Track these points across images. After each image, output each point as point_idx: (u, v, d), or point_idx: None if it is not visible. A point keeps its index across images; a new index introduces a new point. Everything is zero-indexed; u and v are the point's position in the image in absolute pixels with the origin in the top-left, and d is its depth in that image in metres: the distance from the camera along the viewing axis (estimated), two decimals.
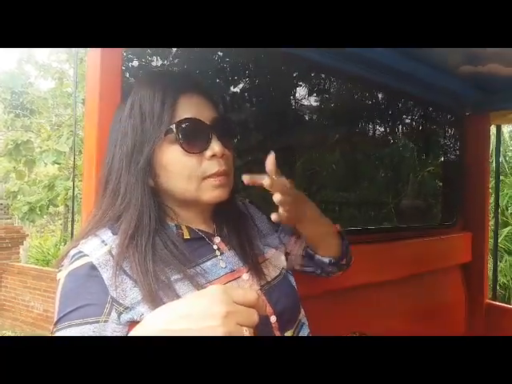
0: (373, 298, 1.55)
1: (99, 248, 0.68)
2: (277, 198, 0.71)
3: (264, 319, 0.58)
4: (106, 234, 0.70)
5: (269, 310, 0.75)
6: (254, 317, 0.53)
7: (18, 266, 6.09)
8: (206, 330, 0.49)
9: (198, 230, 0.77)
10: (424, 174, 2.41)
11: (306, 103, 2.16)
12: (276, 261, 0.85)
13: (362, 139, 2.18)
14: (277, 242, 0.90)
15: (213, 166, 0.72)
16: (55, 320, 0.64)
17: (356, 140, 2.16)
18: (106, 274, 0.65)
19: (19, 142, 6.78)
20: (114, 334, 0.63)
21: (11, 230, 6.32)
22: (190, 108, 0.72)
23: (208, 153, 0.72)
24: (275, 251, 0.87)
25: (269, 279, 0.79)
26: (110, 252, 0.67)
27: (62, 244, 7.55)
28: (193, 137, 0.71)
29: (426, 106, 2.25)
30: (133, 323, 0.63)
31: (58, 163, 6.75)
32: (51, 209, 7.38)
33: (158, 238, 0.70)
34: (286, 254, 0.92)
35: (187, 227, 0.76)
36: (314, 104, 2.20)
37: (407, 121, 2.40)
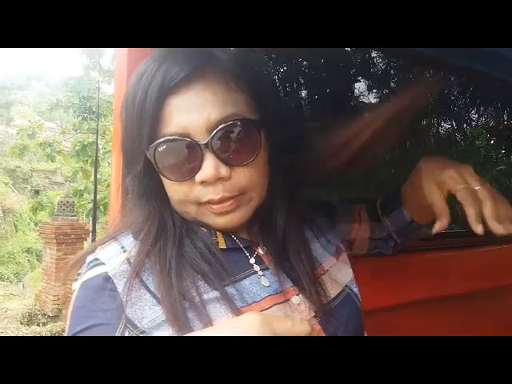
0: (436, 315, 1.40)
1: (117, 255, 0.56)
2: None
3: None
4: (127, 240, 0.58)
5: None
6: None
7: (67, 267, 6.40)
8: None
9: (237, 238, 0.62)
10: (494, 172, 2.22)
11: (365, 100, 2.07)
12: (338, 273, 0.67)
13: (424, 137, 2.05)
14: (337, 238, 0.74)
15: (205, 194, 0.56)
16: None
17: (418, 138, 2.03)
18: (122, 288, 0.53)
19: (86, 143, 7.17)
20: None
21: (76, 227, 6.68)
22: (178, 115, 0.54)
23: (197, 178, 0.55)
24: (336, 261, 0.69)
25: (326, 301, 0.61)
26: (128, 260, 0.55)
27: None
28: (178, 161, 0.55)
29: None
30: None
31: None
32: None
33: (188, 247, 0.57)
34: (349, 241, 0.80)
35: (223, 235, 0.61)
36: (374, 101, 2.10)
37: (475, 116, 2.23)
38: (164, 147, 0.54)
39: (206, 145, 0.54)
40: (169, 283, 0.53)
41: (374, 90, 2.07)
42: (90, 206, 7.01)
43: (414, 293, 1.28)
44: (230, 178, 0.56)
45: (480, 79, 1.93)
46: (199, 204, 0.58)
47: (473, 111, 2.27)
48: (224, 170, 0.55)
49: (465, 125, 2.29)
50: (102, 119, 8.11)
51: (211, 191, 0.56)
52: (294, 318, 0.43)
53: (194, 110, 0.54)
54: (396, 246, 0.85)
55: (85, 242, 6.88)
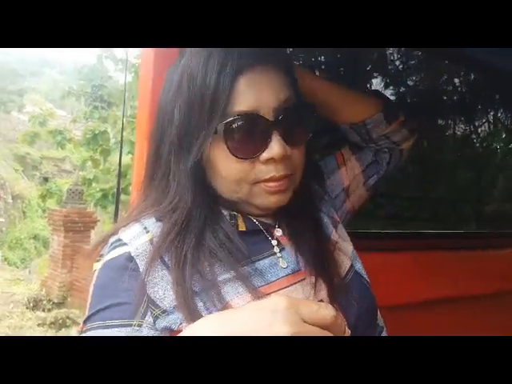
0: (450, 316, 1.37)
1: (140, 236, 0.57)
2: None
3: None
4: (150, 220, 0.59)
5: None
6: None
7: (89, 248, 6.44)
8: None
9: (257, 220, 0.64)
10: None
11: None
12: (344, 244, 0.70)
13: (441, 135, 2.01)
14: (332, 209, 0.75)
15: (267, 172, 0.58)
16: (85, 317, 0.55)
17: (435, 136, 2.00)
18: (145, 268, 0.54)
19: (97, 132, 7.18)
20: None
21: (84, 215, 6.71)
22: (249, 93, 0.56)
23: (264, 156, 0.57)
24: (341, 234, 0.71)
25: (339, 279, 0.63)
26: (151, 241, 0.56)
27: None
28: (246, 139, 0.57)
29: None
30: (171, 332, 0.53)
31: (131, 153, 7.05)
32: (123, 196, 7.75)
33: (208, 237, 0.58)
34: (345, 190, 0.79)
35: (243, 217, 0.63)
36: (391, 98, 2.07)
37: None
38: (238, 123, 0.56)
39: (275, 123, 0.57)
40: (182, 262, 0.54)
41: (391, 87, 2.04)
42: (99, 194, 7.03)
43: (422, 292, 1.26)
44: (292, 156, 0.60)
45: (498, 78, 1.89)
46: (255, 183, 0.59)
47: (492, 112, 2.22)
48: (288, 149, 0.58)
49: (482, 127, 2.24)
50: (114, 108, 8.12)
51: (274, 169, 0.58)
52: (320, 303, 0.44)
53: (265, 91, 0.57)
54: (391, 158, 0.82)
55: (92, 231, 6.91)
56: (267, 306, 0.42)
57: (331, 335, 0.42)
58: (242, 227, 0.62)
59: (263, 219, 0.64)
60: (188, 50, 0.60)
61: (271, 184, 0.59)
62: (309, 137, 0.62)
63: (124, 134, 6.94)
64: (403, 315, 1.04)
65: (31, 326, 5.68)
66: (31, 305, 6.26)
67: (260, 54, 0.58)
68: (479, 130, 2.21)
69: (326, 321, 0.42)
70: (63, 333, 5.49)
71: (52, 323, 5.69)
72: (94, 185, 7.50)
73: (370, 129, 0.78)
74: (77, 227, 6.53)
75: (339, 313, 0.45)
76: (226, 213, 0.62)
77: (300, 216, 0.66)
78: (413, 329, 1.07)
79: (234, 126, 0.56)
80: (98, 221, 7.24)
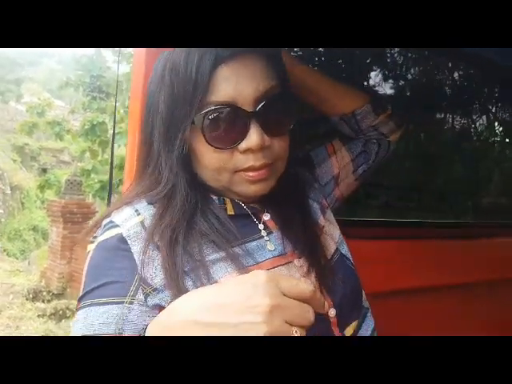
0: (435, 304, 1.39)
1: (131, 218, 0.59)
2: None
3: (320, 314, 0.46)
4: (141, 204, 0.62)
5: (328, 302, 0.62)
6: (309, 314, 0.43)
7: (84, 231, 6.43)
8: (244, 326, 0.40)
9: (245, 205, 0.66)
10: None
11: (380, 90, 2.03)
12: (330, 228, 0.73)
13: (439, 128, 2.01)
14: (320, 195, 0.78)
15: (245, 161, 0.59)
16: (79, 296, 0.57)
17: (434, 130, 2.00)
18: (136, 248, 0.56)
19: (95, 122, 7.15)
20: (140, 319, 0.54)
21: (83, 206, 6.71)
22: (228, 83, 0.57)
23: (242, 146, 0.58)
24: (324, 219, 0.73)
25: (325, 261, 0.66)
26: (142, 223, 0.59)
27: None
28: (223, 130, 0.58)
29: None
30: (161, 308, 0.54)
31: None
32: (121, 188, 7.73)
33: (199, 220, 0.60)
34: (334, 178, 0.82)
35: (232, 201, 0.65)
36: (389, 92, 2.06)
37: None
38: (214, 114, 0.57)
39: (254, 113, 0.58)
40: (172, 256, 0.56)
41: (390, 81, 2.03)
42: (97, 186, 7.02)
43: (406, 280, 1.28)
44: (272, 146, 0.61)
45: (495, 73, 1.90)
46: (235, 172, 0.61)
47: (489, 106, 2.22)
48: (267, 139, 0.59)
49: (480, 120, 2.24)
50: (112, 99, 8.08)
51: (252, 158, 0.59)
52: (299, 279, 0.47)
53: (243, 81, 0.58)
54: (379, 148, 0.86)
55: (90, 222, 6.91)
56: (249, 280, 0.43)
57: (310, 308, 0.43)
58: (231, 211, 0.64)
59: (252, 204, 0.66)
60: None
61: (251, 173, 0.60)
62: (291, 126, 0.63)
63: (122, 125, 6.93)
64: (387, 302, 1.06)
65: (31, 316, 5.71)
66: (31, 296, 6.28)
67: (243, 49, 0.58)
68: (477, 123, 2.21)
69: (304, 294, 0.43)
70: (63, 324, 5.52)
71: (52, 314, 5.72)
72: (92, 176, 7.48)
73: (359, 120, 0.82)
74: (75, 218, 6.53)
75: (317, 289, 0.48)
76: (215, 197, 0.65)
77: (287, 202, 0.68)
78: (398, 316, 1.09)
79: (210, 116, 0.57)
80: (97, 212, 7.23)
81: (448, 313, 1.40)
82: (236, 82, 0.57)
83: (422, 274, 1.31)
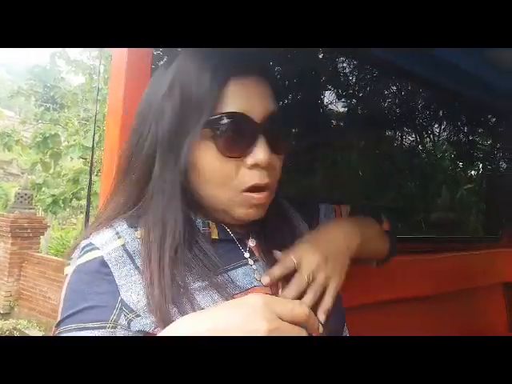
0: (406, 314, 1.44)
1: (111, 241, 0.58)
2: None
3: None
4: (122, 226, 0.60)
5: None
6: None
7: (38, 256, 6.17)
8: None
9: (230, 230, 0.64)
10: (465, 186, 2.31)
11: (333, 108, 2.11)
12: None
13: (390, 146, 2.11)
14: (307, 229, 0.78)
15: (251, 178, 0.59)
16: (57, 321, 0.55)
17: (384, 147, 2.09)
18: (118, 273, 0.55)
19: (47, 135, 6.90)
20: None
21: (33, 221, 6.43)
22: (239, 97, 0.58)
23: (249, 160, 0.58)
24: None
25: None
26: (123, 246, 0.58)
27: None
28: (234, 136, 0.57)
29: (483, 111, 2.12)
30: (145, 334, 0.54)
31: (84, 158, 6.82)
32: (74, 202, 7.47)
33: (184, 244, 0.59)
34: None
35: (217, 225, 0.64)
36: (342, 110, 2.14)
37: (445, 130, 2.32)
38: (229, 119, 0.57)
39: (262, 127, 0.59)
40: (156, 282, 0.54)
41: (343, 100, 2.11)
42: (49, 200, 6.75)
43: (383, 293, 1.33)
44: (275, 166, 0.61)
45: (444, 94, 2.01)
46: (240, 191, 0.60)
47: (436, 125, 2.35)
48: (272, 157, 0.60)
49: (427, 138, 2.37)
50: (66, 110, 7.85)
51: (258, 175, 0.59)
52: (294, 302, 0.48)
53: (255, 98, 0.59)
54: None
55: (41, 237, 6.63)
56: (245, 304, 0.44)
57: (305, 332, 0.45)
58: (215, 235, 0.63)
59: (237, 229, 0.65)
60: (180, 53, 0.62)
61: (255, 195, 0.60)
62: (287, 148, 0.64)
63: (75, 137, 6.72)
64: (356, 315, 1.09)
65: None
66: None
67: (249, 66, 0.61)
68: (425, 141, 2.33)
69: (300, 318, 0.45)
70: None
71: None
72: (43, 189, 7.20)
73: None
74: (25, 233, 6.24)
75: (312, 312, 0.49)
76: (198, 220, 0.63)
77: (273, 227, 0.67)
78: (366, 328, 1.13)
79: (221, 122, 0.57)
80: (48, 226, 6.96)
81: (411, 325, 1.45)
82: (247, 97, 0.59)
83: (385, 287, 1.35)
